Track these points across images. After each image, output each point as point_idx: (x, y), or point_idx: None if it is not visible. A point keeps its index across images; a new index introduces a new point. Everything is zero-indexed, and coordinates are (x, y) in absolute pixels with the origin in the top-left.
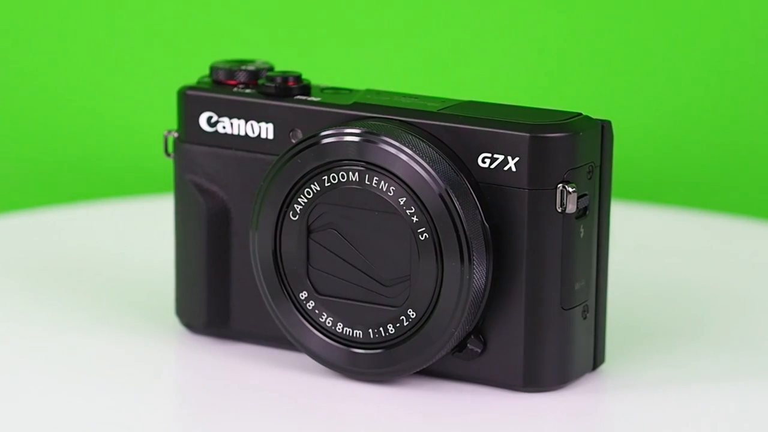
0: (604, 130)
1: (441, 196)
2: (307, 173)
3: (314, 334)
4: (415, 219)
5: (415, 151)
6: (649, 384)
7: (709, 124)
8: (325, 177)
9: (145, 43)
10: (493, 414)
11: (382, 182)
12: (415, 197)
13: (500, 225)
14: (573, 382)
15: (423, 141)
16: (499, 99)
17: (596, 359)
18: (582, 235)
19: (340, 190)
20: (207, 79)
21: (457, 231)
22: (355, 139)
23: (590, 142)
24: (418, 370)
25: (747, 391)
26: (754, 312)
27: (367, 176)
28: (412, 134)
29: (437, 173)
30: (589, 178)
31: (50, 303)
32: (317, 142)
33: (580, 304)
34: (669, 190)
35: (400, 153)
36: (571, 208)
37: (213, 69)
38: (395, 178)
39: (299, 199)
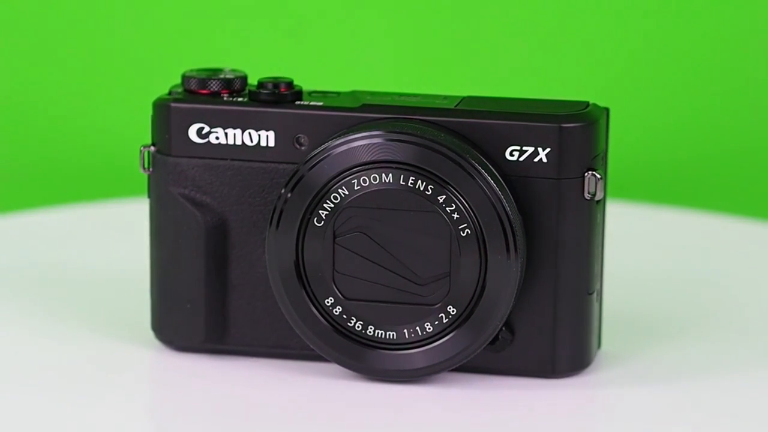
0: (607, 117)
1: (485, 191)
2: (335, 177)
3: (342, 340)
4: (456, 216)
5: (452, 149)
6: (652, 366)
7: (708, 124)
8: (355, 180)
9: (109, 51)
10: (537, 404)
11: (419, 181)
12: (456, 194)
13: (529, 215)
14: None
15: (456, 138)
16: (482, 93)
17: (599, 343)
18: (599, 220)
19: (372, 192)
20: (179, 89)
21: (503, 225)
22: (389, 140)
23: (603, 129)
24: (459, 365)
25: (741, 382)
26: (752, 308)
27: (402, 177)
28: (444, 133)
29: (477, 168)
30: (602, 165)
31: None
32: (347, 146)
33: (596, 289)
34: (668, 190)
35: (438, 151)
36: (600, 194)
37: (185, 78)
38: (433, 177)
39: (325, 205)
